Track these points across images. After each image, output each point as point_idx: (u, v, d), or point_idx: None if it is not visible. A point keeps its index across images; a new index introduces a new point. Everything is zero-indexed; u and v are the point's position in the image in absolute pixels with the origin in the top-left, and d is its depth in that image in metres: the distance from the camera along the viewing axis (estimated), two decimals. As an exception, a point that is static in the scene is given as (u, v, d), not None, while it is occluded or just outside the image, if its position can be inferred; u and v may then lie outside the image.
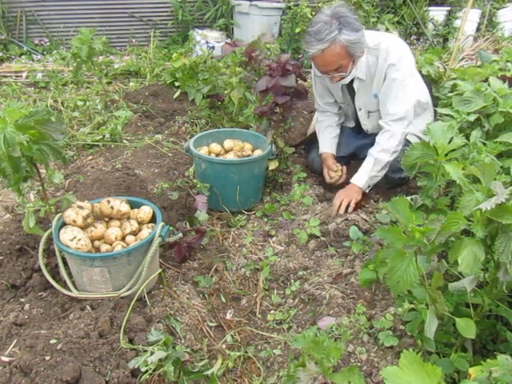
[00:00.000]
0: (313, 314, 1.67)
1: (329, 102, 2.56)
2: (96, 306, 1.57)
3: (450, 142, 1.63)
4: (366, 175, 2.24)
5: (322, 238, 2.07)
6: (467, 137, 1.77)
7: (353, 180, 2.27)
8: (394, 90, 2.19)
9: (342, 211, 2.16)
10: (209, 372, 1.45)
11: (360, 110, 2.43)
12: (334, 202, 2.21)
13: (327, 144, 2.55)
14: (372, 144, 2.33)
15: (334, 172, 2.47)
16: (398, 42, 2.24)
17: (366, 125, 2.49)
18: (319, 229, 2.07)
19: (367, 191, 2.30)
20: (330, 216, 2.18)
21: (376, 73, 2.23)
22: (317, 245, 2.05)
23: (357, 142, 2.59)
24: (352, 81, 2.27)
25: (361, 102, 2.39)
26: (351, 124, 2.64)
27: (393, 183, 2.42)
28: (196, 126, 3.14)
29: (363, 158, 2.38)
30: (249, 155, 2.49)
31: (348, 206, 2.17)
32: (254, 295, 1.87)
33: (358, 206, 2.26)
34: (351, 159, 2.70)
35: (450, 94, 2.20)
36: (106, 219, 1.81)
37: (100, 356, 1.33)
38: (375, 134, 2.35)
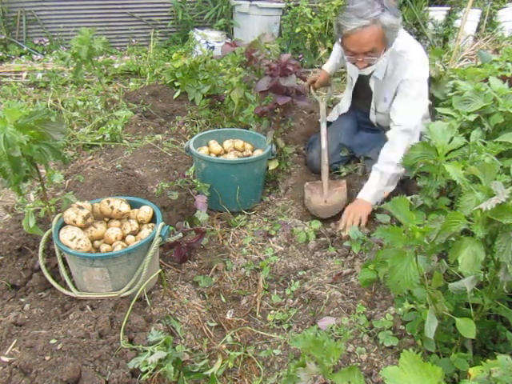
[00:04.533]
0: (313, 314, 1.67)
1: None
2: (96, 306, 1.57)
3: (450, 141, 1.64)
4: (373, 189, 2.13)
5: (322, 238, 2.07)
6: (467, 137, 1.77)
7: (360, 195, 2.16)
8: (405, 103, 2.16)
9: (348, 224, 2.04)
10: (209, 372, 1.45)
11: (372, 109, 2.46)
12: (343, 218, 2.09)
13: (328, 64, 2.82)
14: (368, 144, 2.36)
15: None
16: (422, 60, 2.18)
17: (373, 119, 2.54)
18: (319, 229, 2.07)
19: (375, 207, 2.10)
20: (339, 231, 2.08)
21: (391, 78, 2.22)
22: (317, 245, 2.05)
23: (355, 139, 2.62)
24: (367, 80, 2.29)
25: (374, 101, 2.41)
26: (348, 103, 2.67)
27: None
28: (196, 126, 3.13)
29: (358, 158, 2.41)
30: (249, 155, 2.49)
31: (360, 222, 2.04)
32: (254, 295, 1.86)
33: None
34: (350, 159, 2.71)
35: (450, 94, 2.20)
36: (106, 219, 1.81)
37: (100, 356, 1.32)
38: (374, 131, 2.36)
